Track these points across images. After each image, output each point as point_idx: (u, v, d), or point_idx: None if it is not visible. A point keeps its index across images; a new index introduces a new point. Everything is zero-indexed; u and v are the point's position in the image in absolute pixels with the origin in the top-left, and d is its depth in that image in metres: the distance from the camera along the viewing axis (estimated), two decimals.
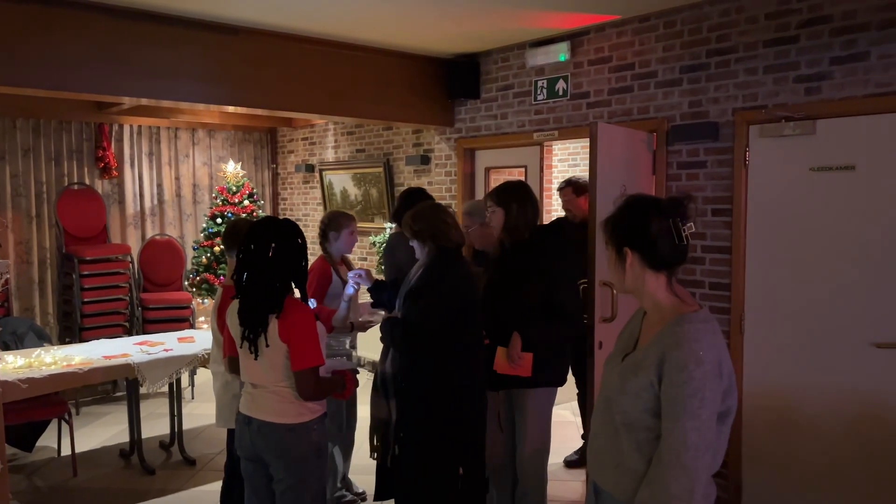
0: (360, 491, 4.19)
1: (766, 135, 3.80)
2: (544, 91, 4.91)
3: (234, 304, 2.71)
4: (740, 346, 3.94)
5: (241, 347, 2.68)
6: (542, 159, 5.21)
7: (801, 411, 3.74)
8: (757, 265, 3.89)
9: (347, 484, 4.17)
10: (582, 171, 7.66)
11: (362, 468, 4.41)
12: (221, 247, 7.28)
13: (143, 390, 4.78)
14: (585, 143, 7.33)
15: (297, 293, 2.72)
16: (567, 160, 7.75)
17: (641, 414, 1.70)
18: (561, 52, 4.72)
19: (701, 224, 4.09)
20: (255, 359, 2.62)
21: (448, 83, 5.41)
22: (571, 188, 4.48)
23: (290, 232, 2.69)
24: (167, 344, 4.90)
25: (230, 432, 3.39)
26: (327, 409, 2.80)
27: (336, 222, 3.94)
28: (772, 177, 3.81)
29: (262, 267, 2.62)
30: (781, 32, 3.73)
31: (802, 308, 3.73)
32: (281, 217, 3.53)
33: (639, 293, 1.85)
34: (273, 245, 2.62)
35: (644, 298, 1.85)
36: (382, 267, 6.33)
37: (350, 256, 4.72)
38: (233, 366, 2.86)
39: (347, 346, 3.95)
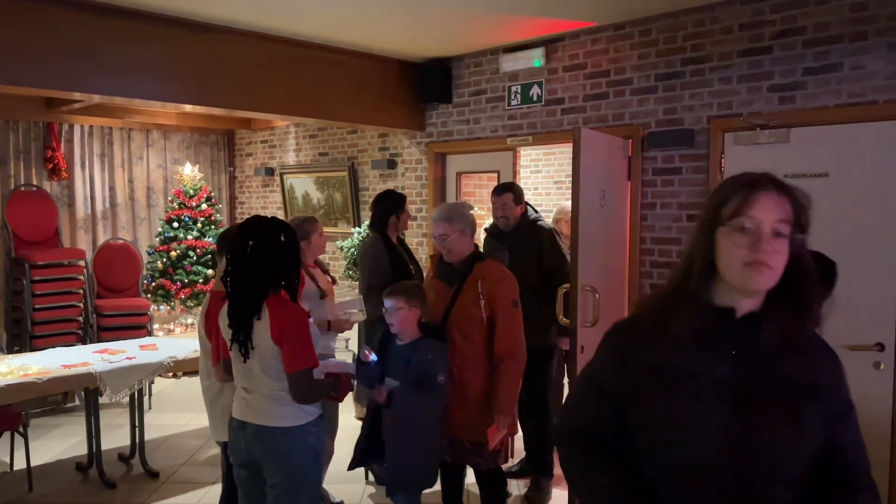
0: (338, 501, 4.10)
1: (741, 142, 3.88)
2: (518, 96, 4.93)
3: (226, 307, 2.65)
4: None
5: (231, 350, 2.63)
6: (514, 164, 5.21)
7: None
8: None
9: (323, 494, 4.07)
10: (545, 178, 7.72)
11: (339, 477, 4.32)
12: (178, 252, 7.08)
13: (101, 400, 4.58)
14: (548, 149, 7.46)
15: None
16: (529, 166, 7.78)
17: None
18: (535, 58, 4.73)
19: (676, 229, 4.15)
20: (244, 362, 2.57)
21: (420, 87, 5.37)
22: (512, 195, 4.21)
23: (269, 230, 2.60)
24: (129, 352, 4.72)
25: (224, 443, 3.28)
26: None
27: (302, 230, 3.82)
28: None
29: (241, 267, 2.57)
30: (755, 43, 3.82)
31: None
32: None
33: None
34: (251, 244, 2.56)
35: None
36: (350, 272, 6.26)
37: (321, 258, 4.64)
38: (227, 369, 2.77)
39: (340, 347, 3.86)
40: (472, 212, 3.37)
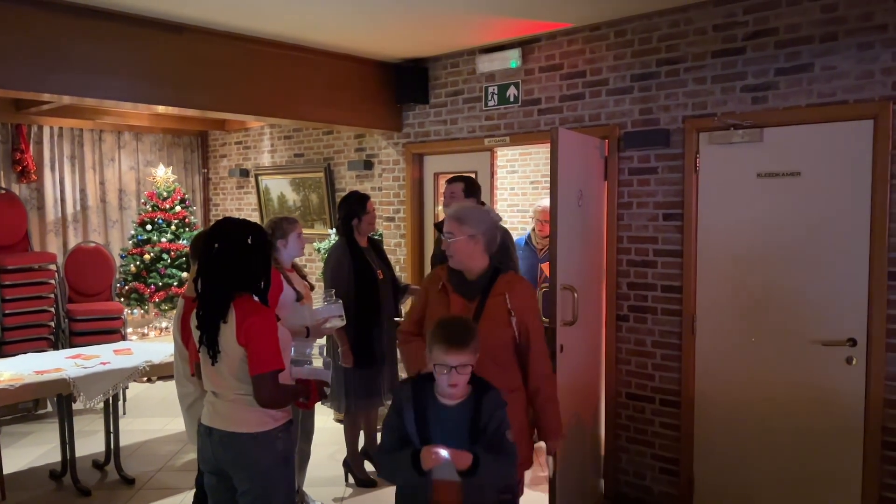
0: None
1: (716, 142, 3.93)
2: (495, 97, 4.94)
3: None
4: (692, 346, 4.05)
5: (199, 351, 2.61)
6: (492, 165, 5.22)
7: (751, 408, 3.88)
8: (707, 268, 4.01)
9: (302, 496, 4.05)
10: (521, 178, 7.75)
11: (319, 481, 4.30)
12: (152, 255, 6.99)
13: (74, 406, 4.51)
14: (524, 149, 7.49)
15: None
16: (505, 166, 7.80)
17: None
18: (512, 59, 4.75)
19: (652, 228, 4.19)
20: (213, 364, 2.55)
21: (397, 88, 5.36)
22: (464, 185, 4.04)
23: (236, 233, 2.58)
24: (103, 357, 4.66)
25: None
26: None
27: (281, 229, 3.81)
28: (721, 182, 3.94)
29: (208, 268, 2.55)
30: (729, 44, 3.87)
31: (752, 309, 3.87)
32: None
33: None
34: (216, 245, 2.55)
35: None
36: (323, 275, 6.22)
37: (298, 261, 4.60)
38: (199, 373, 2.74)
39: (315, 353, 3.84)
40: (498, 222, 2.85)
